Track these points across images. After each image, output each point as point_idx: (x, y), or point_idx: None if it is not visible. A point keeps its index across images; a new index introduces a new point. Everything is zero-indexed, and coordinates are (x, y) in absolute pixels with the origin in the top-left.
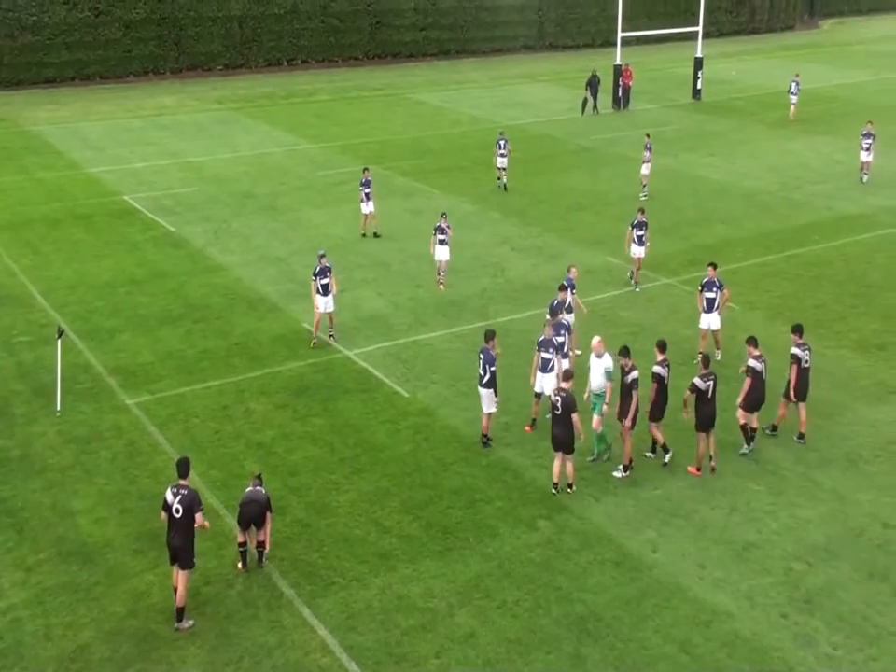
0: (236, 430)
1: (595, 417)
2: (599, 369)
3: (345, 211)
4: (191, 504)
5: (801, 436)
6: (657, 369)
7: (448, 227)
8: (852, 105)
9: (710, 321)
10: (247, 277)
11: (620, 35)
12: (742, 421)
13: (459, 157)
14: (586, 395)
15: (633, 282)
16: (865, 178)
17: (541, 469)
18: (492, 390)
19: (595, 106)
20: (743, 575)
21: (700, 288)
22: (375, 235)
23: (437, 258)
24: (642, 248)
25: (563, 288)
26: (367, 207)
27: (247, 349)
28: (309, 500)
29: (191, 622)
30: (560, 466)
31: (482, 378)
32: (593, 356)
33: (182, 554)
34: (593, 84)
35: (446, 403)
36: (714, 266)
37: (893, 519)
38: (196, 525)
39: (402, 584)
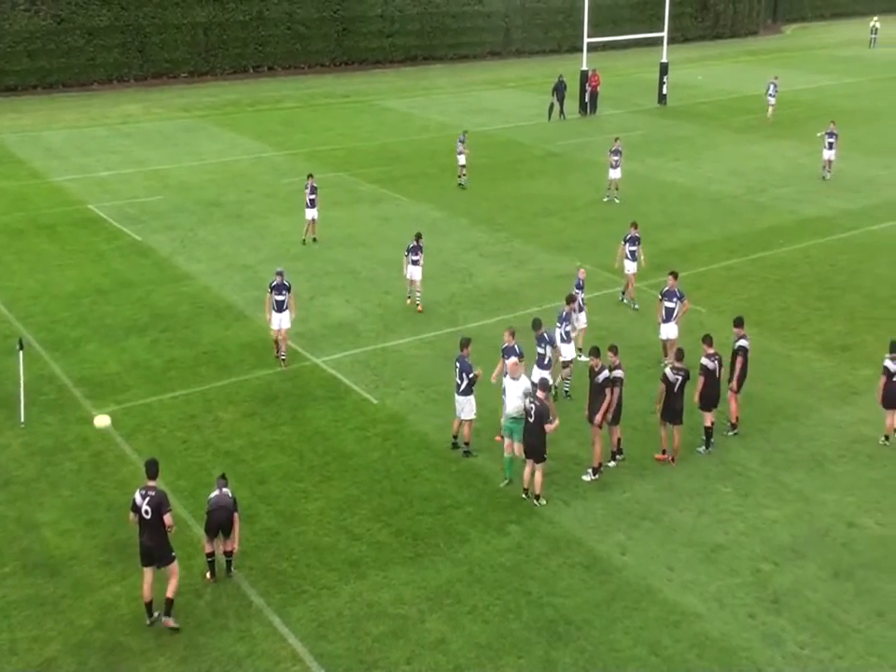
0: (204, 439)
1: (508, 442)
2: (517, 391)
3: None
4: (159, 505)
5: (733, 426)
6: (615, 372)
7: (422, 248)
8: (815, 109)
9: (668, 331)
10: (215, 286)
11: (586, 40)
12: (707, 423)
13: (427, 163)
14: (502, 419)
15: (624, 299)
16: (828, 175)
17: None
18: (471, 396)
19: (561, 112)
20: (711, 576)
21: (660, 297)
22: (314, 241)
23: (409, 277)
24: (634, 264)
25: (571, 300)
26: (311, 213)
27: (215, 358)
28: (278, 508)
29: (178, 624)
30: (530, 472)
31: (458, 386)
32: (507, 378)
33: (159, 553)
34: (559, 89)
35: (415, 410)
36: (675, 275)
37: (857, 518)
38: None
39: (373, 591)
